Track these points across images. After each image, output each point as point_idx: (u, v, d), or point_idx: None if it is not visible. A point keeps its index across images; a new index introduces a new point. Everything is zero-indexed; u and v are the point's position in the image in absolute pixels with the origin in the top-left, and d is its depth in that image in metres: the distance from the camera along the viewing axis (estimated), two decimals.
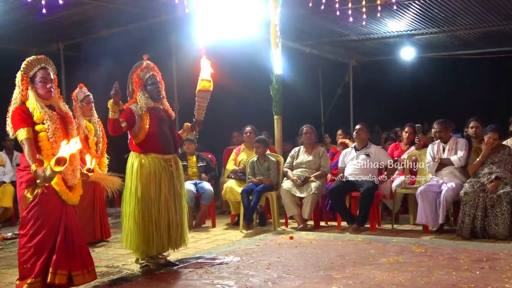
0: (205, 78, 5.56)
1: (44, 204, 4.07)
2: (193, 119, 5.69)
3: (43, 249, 4.06)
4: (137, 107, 5.30)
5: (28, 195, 4.06)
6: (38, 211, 4.05)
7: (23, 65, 4.19)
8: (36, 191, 4.04)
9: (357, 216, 7.27)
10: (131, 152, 5.36)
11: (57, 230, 4.12)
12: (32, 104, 4.11)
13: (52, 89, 4.22)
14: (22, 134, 4.00)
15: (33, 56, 4.26)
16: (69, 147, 3.72)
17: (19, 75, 4.20)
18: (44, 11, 7.11)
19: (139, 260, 5.34)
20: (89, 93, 6.86)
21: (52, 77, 4.27)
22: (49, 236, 4.07)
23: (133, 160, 5.28)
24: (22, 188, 4.12)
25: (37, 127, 4.08)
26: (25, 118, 4.06)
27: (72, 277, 4.13)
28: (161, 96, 5.47)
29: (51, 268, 4.04)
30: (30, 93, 4.14)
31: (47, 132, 4.08)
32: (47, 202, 4.08)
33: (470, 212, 6.43)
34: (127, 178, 5.27)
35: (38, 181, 3.91)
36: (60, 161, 3.63)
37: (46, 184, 3.98)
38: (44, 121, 4.10)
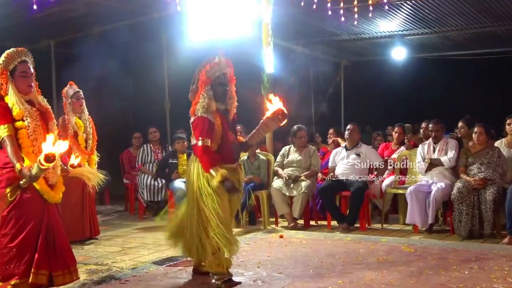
0: (283, 111, 4.96)
1: (25, 204, 3.92)
2: (245, 140, 5.13)
3: (27, 249, 3.91)
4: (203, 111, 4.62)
5: (9, 195, 3.88)
6: (19, 211, 3.90)
7: (2, 58, 3.99)
8: (17, 191, 3.89)
9: (347, 216, 7.28)
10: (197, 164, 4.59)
11: (39, 229, 3.97)
12: (12, 99, 3.94)
13: (32, 84, 4.06)
14: (3, 131, 3.86)
15: (13, 49, 4.03)
16: (57, 146, 3.62)
17: None
18: (35, 7, 7.06)
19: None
20: (79, 89, 6.83)
21: (32, 71, 4.09)
22: (31, 235, 3.93)
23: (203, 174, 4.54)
24: (2, 187, 3.92)
25: (17, 124, 3.92)
26: (5, 114, 3.90)
27: (53, 278, 4.00)
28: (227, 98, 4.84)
29: (33, 269, 3.91)
30: (10, 88, 3.96)
31: (28, 130, 3.93)
32: (28, 201, 3.93)
33: (468, 211, 6.45)
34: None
35: (21, 182, 3.79)
36: (49, 157, 3.55)
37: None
38: (24, 118, 3.94)
